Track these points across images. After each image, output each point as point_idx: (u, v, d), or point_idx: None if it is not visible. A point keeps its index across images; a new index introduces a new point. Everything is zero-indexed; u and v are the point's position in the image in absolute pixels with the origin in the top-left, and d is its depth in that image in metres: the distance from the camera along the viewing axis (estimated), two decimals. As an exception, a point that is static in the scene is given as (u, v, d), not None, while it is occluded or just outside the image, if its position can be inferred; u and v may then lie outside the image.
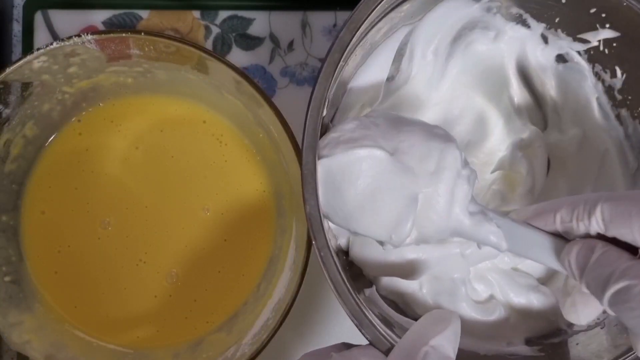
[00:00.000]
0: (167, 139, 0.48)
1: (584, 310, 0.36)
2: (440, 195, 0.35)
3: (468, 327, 0.42)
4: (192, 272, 0.47)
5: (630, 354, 0.37)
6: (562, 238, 0.36)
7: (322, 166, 0.34)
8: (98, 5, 0.52)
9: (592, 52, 0.43)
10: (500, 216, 0.37)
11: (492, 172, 0.47)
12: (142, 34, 0.41)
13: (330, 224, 0.41)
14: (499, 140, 0.47)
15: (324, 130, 0.37)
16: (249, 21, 0.53)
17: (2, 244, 0.45)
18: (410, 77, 0.45)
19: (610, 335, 0.40)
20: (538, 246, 0.37)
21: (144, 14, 0.52)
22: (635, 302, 0.30)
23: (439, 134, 0.36)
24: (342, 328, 0.51)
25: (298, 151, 0.40)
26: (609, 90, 0.43)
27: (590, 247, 0.33)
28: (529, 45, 0.45)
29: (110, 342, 0.47)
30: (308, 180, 0.34)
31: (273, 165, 0.47)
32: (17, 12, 0.52)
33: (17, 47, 0.52)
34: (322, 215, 0.34)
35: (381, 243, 0.37)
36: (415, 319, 0.42)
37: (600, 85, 0.43)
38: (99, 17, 0.52)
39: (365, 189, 0.34)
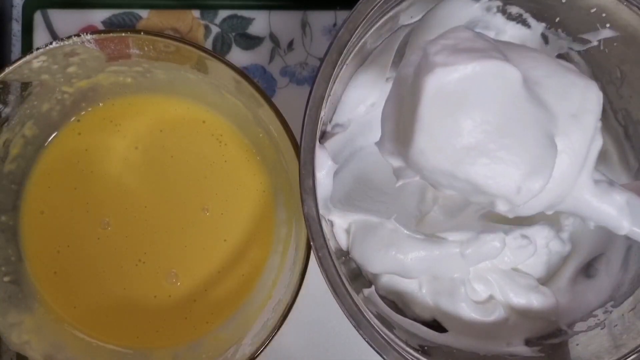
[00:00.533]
0: (166, 138, 0.48)
1: None
2: (574, 147, 0.27)
3: (467, 328, 0.42)
4: (192, 272, 0.47)
5: (630, 355, 0.37)
6: None
7: (434, 79, 0.25)
8: (97, 4, 0.52)
9: (592, 52, 0.43)
10: (624, 188, 0.30)
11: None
12: (142, 33, 0.41)
13: (333, 223, 0.41)
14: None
15: (323, 131, 0.37)
16: (249, 21, 0.53)
17: (2, 244, 0.45)
18: (411, 77, 0.45)
19: (611, 336, 0.40)
20: None
21: (143, 13, 0.52)
22: None
23: (572, 68, 0.29)
24: (342, 328, 0.51)
25: (298, 151, 0.40)
26: (609, 90, 0.43)
27: None
28: (529, 45, 0.45)
29: (110, 342, 0.47)
30: (306, 180, 0.34)
31: (273, 165, 0.47)
32: (17, 12, 0.52)
33: (16, 47, 0.52)
34: (320, 216, 0.34)
35: (491, 205, 0.28)
36: (415, 320, 0.42)
37: (600, 85, 0.43)
38: (98, 16, 0.52)
39: (494, 118, 0.25)
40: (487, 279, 0.44)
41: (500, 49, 0.27)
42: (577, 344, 0.41)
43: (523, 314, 0.43)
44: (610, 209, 0.29)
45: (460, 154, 0.26)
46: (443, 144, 0.26)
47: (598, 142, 0.28)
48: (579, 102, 0.27)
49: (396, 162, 0.29)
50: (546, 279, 0.45)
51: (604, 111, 0.43)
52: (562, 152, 0.27)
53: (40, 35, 0.52)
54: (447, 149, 0.26)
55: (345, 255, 0.42)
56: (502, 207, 0.28)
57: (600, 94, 0.28)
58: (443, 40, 0.27)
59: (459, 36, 0.27)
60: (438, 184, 0.29)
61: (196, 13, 0.53)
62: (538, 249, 0.43)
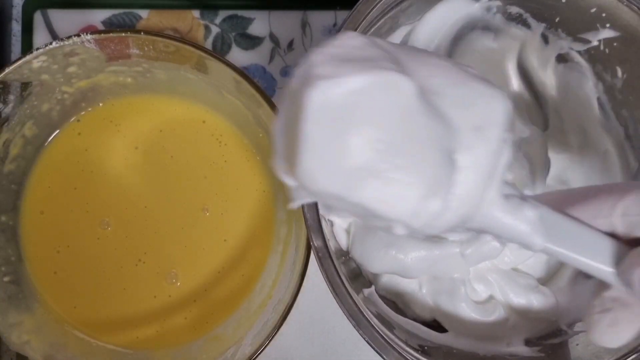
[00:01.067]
0: (166, 138, 0.48)
1: (626, 331, 0.27)
2: (478, 163, 0.24)
3: (467, 328, 0.42)
4: (192, 272, 0.47)
5: (630, 355, 0.37)
6: (612, 237, 0.27)
7: (317, 94, 0.23)
8: (97, 4, 0.52)
9: (592, 52, 0.43)
10: (536, 202, 0.27)
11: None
12: (142, 33, 0.41)
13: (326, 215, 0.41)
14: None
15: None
16: (249, 21, 0.53)
17: (2, 244, 0.45)
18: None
19: (610, 336, 0.39)
20: (586, 247, 0.27)
21: (143, 13, 0.52)
22: None
23: (478, 75, 0.26)
24: (342, 328, 0.51)
25: (297, 151, 0.40)
26: (609, 90, 0.43)
27: None
28: (530, 45, 0.45)
29: (110, 342, 0.47)
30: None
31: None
32: (17, 12, 0.52)
33: (16, 47, 0.52)
34: (320, 216, 0.34)
35: (389, 229, 0.26)
36: (415, 319, 0.42)
37: (600, 85, 0.43)
38: (98, 16, 0.52)
39: (386, 135, 0.23)
40: (487, 279, 0.44)
41: (395, 57, 0.25)
42: (577, 344, 0.41)
43: (523, 314, 0.43)
44: (522, 226, 0.26)
45: (349, 176, 0.23)
46: (330, 164, 0.23)
47: (506, 156, 0.25)
48: (484, 113, 0.25)
49: (290, 182, 0.26)
50: (546, 279, 0.45)
51: (604, 111, 0.44)
52: (465, 168, 0.24)
53: (40, 35, 0.52)
54: (334, 170, 0.23)
55: (345, 255, 0.42)
56: (400, 231, 0.25)
57: (508, 104, 0.25)
58: (329, 49, 0.24)
59: (348, 44, 0.24)
60: (331, 207, 0.26)
61: (196, 13, 0.53)
62: (538, 249, 0.43)
